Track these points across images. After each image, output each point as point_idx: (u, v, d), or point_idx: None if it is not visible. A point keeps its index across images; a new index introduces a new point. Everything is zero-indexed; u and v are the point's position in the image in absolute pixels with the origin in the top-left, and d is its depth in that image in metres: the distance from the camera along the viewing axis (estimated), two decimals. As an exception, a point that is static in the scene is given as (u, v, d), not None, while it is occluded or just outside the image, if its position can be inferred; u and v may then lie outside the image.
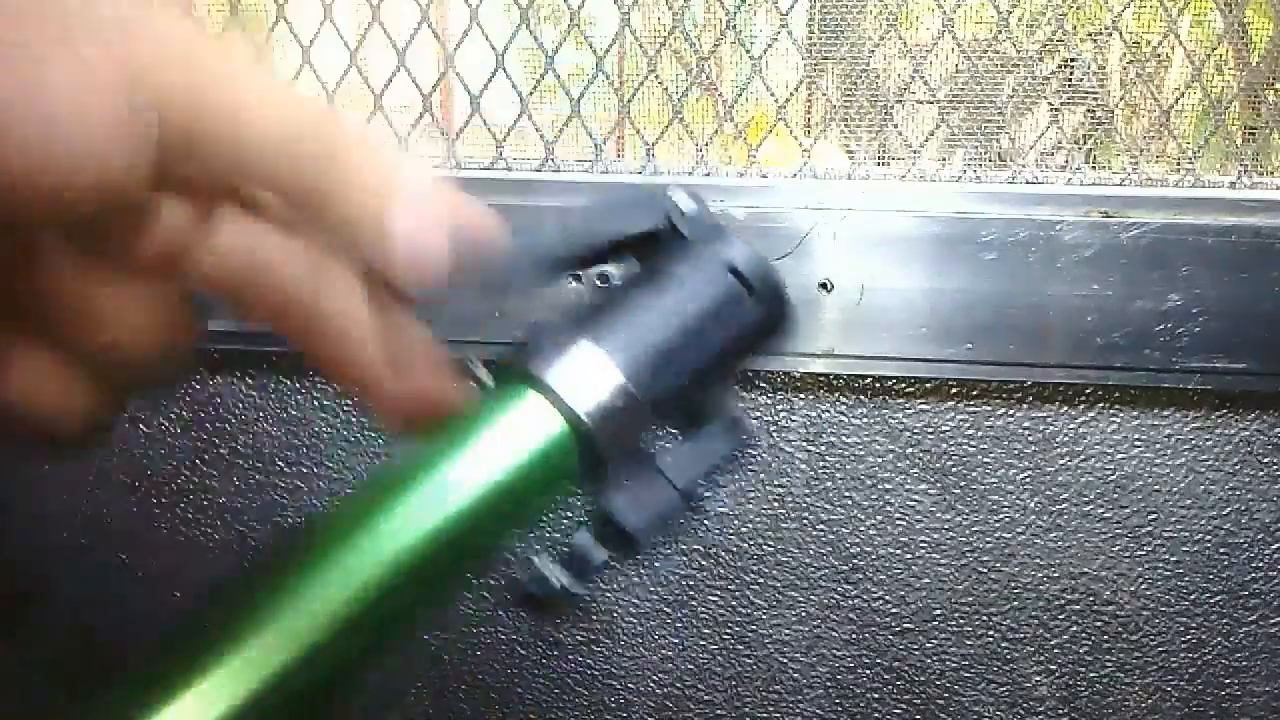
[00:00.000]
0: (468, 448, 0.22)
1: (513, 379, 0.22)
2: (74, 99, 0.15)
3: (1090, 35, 0.45)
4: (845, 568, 0.47)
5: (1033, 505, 0.45)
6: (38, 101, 0.15)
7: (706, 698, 0.49)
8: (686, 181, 0.42)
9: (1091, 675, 0.47)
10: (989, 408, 0.44)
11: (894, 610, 0.47)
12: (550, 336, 0.22)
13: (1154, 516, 0.44)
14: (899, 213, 0.40)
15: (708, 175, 0.43)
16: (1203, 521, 0.44)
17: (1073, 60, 0.43)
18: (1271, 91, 0.42)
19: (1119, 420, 0.43)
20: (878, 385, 0.44)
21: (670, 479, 0.24)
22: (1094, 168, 0.42)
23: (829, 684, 0.48)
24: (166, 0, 0.18)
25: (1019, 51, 0.42)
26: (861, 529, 0.46)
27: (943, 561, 0.46)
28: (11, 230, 0.17)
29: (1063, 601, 0.46)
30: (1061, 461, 0.44)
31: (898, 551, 0.46)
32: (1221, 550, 0.44)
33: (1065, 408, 0.44)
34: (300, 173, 0.18)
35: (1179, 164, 0.42)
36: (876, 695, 0.48)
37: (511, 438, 0.22)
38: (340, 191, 0.18)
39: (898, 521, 0.46)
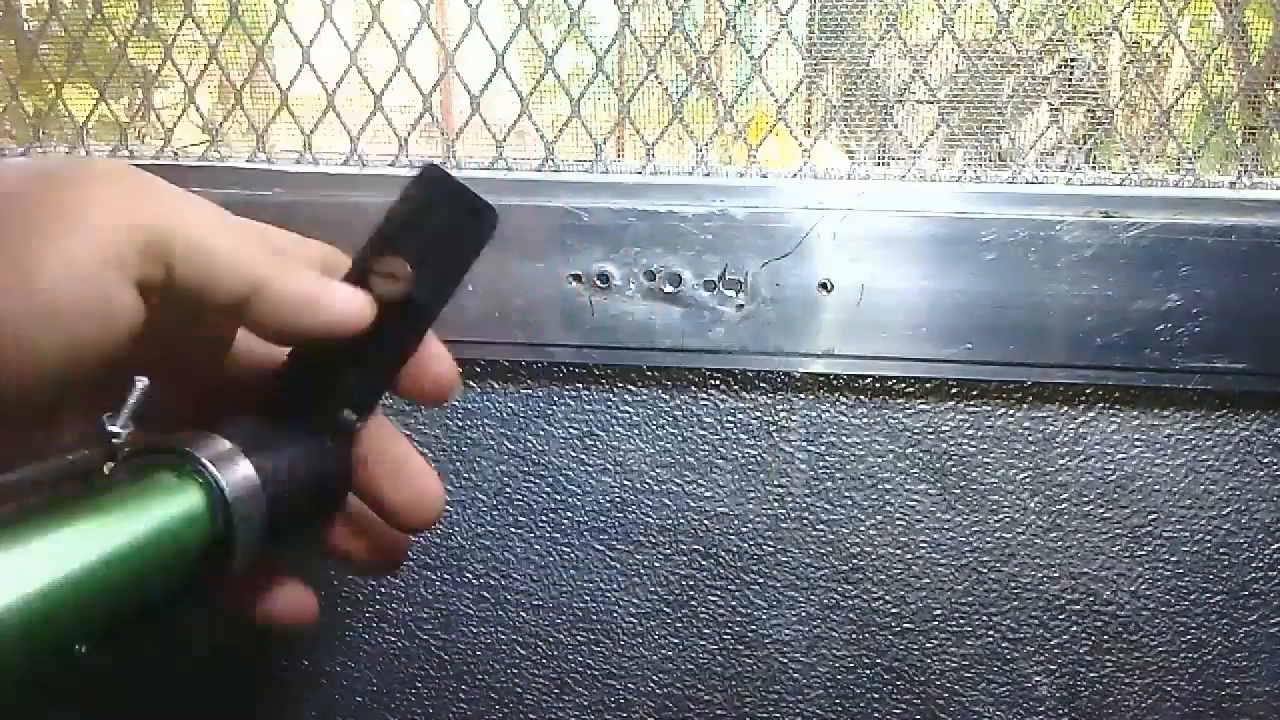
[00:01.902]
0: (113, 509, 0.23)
1: (158, 455, 0.25)
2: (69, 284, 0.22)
3: (1090, 35, 0.45)
4: (845, 568, 0.47)
5: (1033, 505, 0.45)
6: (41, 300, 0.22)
7: (706, 698, 0.49)
8: (686, 181, 0.42)
9: (1091, 675, 0.47)
10: (989, 408, 0.44)
11: (894, 610, 0.47)
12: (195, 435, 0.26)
13: (1154, 516, 0.44)
14: (899, 213, 0.40)
15: (708, 175, 0.43)
16: (1203, 521, 0.44)
17: (1073, 60, 0.43)
18: (1271, 91, 0.42)
19: (1119, 420, 0.43)
20: (878, 385, 0.44)
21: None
22: (1094, 168, 0.42)
23: (829, 684, 0.48)
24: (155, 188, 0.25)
25: (1019, 51, 0.42)
26: (861, 529, 0.46)
27: (943, 561, 0.46)
28: None
29: (1063, 601, 0.46)
30: (1061, 461, 0.44)
31: (898, 551, 0.46)
32: (1221, 550, 0.44)
33: (1065, 408, 0.44)
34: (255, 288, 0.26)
35: (1179, 164, 0.42)
36: (876, 695, 0.48)
37: (154, 502, 0.24)
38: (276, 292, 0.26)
39: (898, 521, 0.46)
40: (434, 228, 0.29)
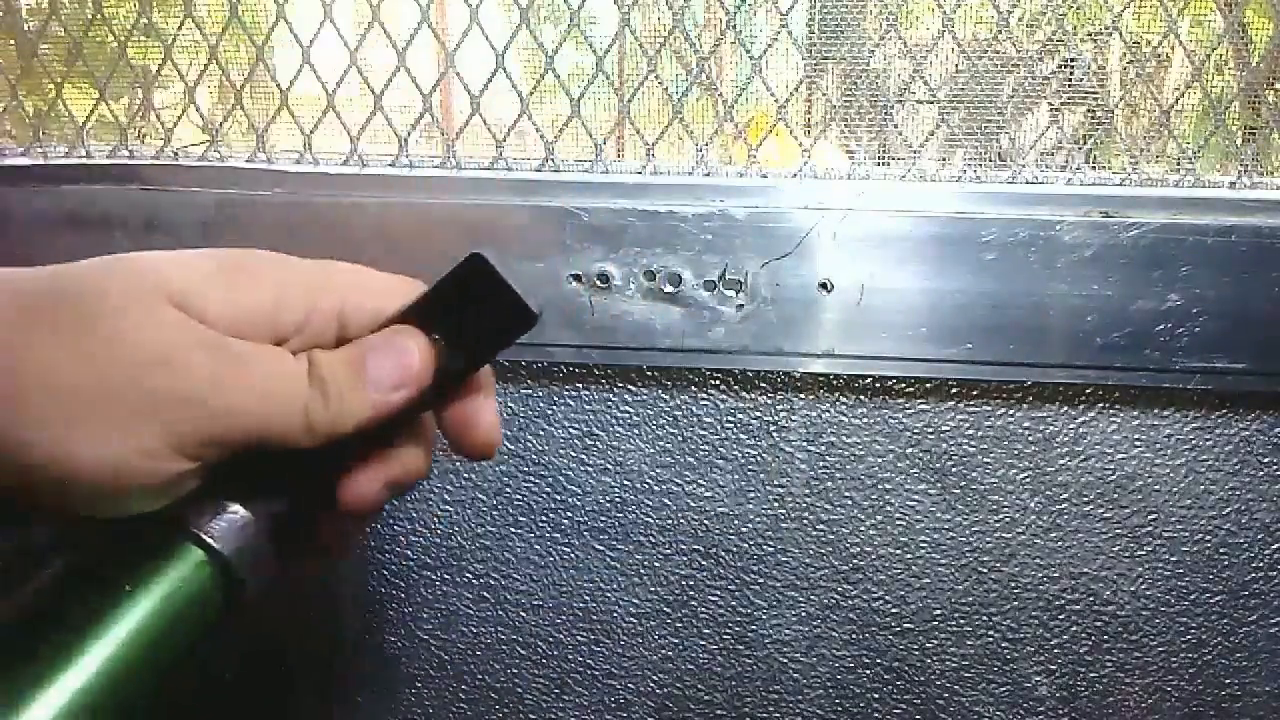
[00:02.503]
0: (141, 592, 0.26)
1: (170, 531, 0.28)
2: (115, 459, 0.25)
3: (1090, 35, 0.45)
4: (845, 568, 0.47)
5: (1033, 505, 0.45)
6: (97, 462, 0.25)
7: (706, 698, 0.49)
8: (686, 181, 0.42)
9: (1091, 675, 0.47)
10: (989, 408, 0.44)
11: (894, 610, 0.47)
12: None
13: (1154, 516, 0.44)
14: (899, 213, 0.40)
15: (708, 175, 0.43)
16: (1203, 521, 0.44)
17: (1073, 60, 0.43)
18: (1271, 91, 0.42)
19: (1119, 420, 0.43)
20: (878, 385, 0.44)
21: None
22: (1094, 168, 0.42)
23: (829, 684, 0.48)
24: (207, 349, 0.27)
25: (1019, 51, 0.42)
26: (861, 529, 0.46)
27: (943, 561, 0.46)
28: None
29: (1063, 601, 0.46)
30: (1061, 461, 0.44)
31: (898, 551, 0.46)
32: (1221, 550, 0.44)
33: (1065, 408, 0.44)
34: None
35: (1179, 164, 0.42)
36: (876, 695, 0.48)
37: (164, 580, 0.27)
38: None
39: (898, 521, 0.46)
40: (473, 315, 0.31)
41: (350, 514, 0.31)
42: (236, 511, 0.28)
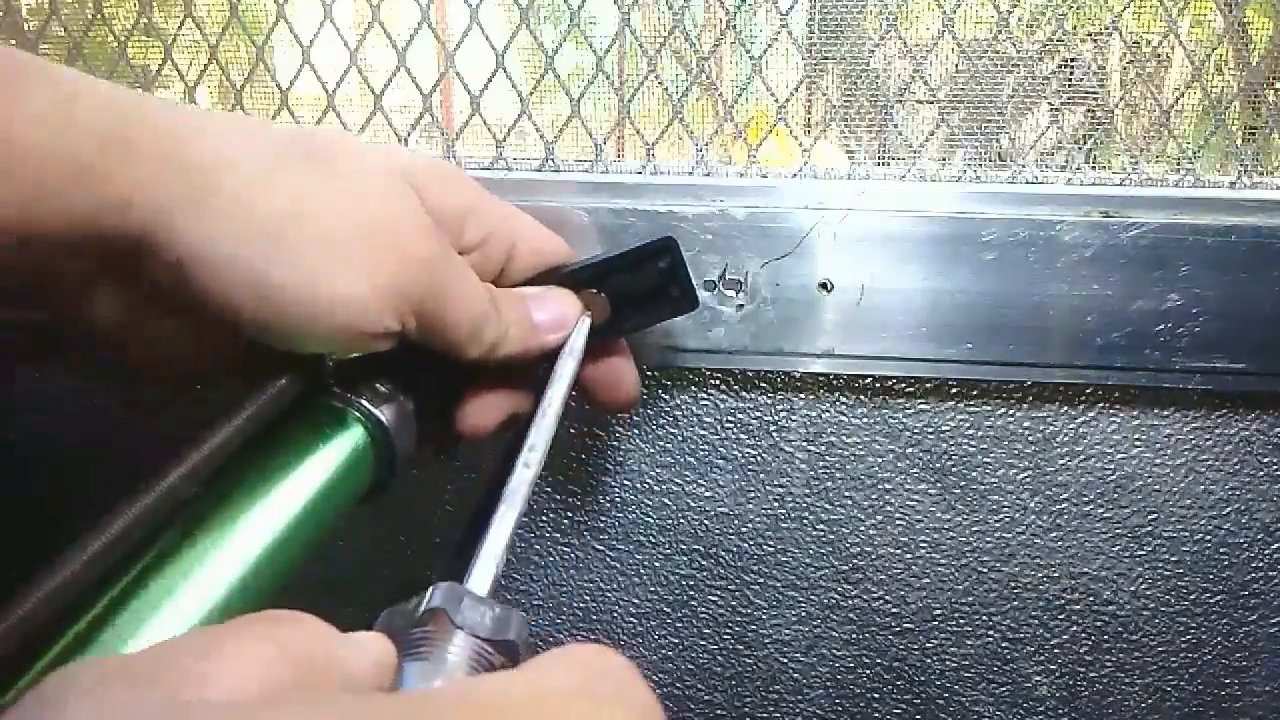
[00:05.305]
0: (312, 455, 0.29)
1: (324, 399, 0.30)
2: (349, 301, 0.27)
3: (1090, 35, 0.45)
4: (845, 568, 0.47)
5: (1033, 505, 0.45)
6: (332, 297, 0.27)
7: (706, 698, 0.49)
8: (686, 181, 0.42)
9: (1091, 675, 0.47)
10: (989, 408, 0.44)
11: (894, 610, 0.47)
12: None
13: (1154, 516, 0.44)
14: (899, 213, 0.40)
15: (708, 175, 0.43)
16: (1203, 521, 0.44)
17: (1073, 60, 0.43)
18: (1271, 91, 0.42)
19: (1119, 420, 0.43)
20: (878, 385, 0.44)
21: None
22: (1094, 168, 0.42)
23: (829, 684, 0.48)
24: (423, 230, 0.29)
25: (1019, 51, 0.42)
26: (861, 529, 0.46)
27: (943, 561, 0.46)
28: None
29: (1063, 601, 0.46)
30: (1061, 461, 0.44)
31: (898, 551, 0.46)
32: (1221, 550, 0.44)
33: (1065, 408, 0.44)
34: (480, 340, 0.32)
35: (1179, 164, 0.42)
36: (876, 695, 0.48)
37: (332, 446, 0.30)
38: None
39: (898, 521, 0.46)
40: (644, 286, 0.35)
41: (464, 434, 0.34)
42: (396, 394, 0.31)
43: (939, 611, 0.47)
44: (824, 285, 0.41)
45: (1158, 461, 0.44)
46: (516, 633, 0.21)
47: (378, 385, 0.31)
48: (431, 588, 0.22)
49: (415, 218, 0.29)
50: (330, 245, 0.27)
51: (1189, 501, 0.44)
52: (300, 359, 0.29)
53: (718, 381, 0.45)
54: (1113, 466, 0.44)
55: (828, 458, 0.45)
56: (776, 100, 0.43)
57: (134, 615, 0.22)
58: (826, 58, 0.44)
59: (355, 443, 0.29)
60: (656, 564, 0.48)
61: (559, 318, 0.34)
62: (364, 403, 0.30)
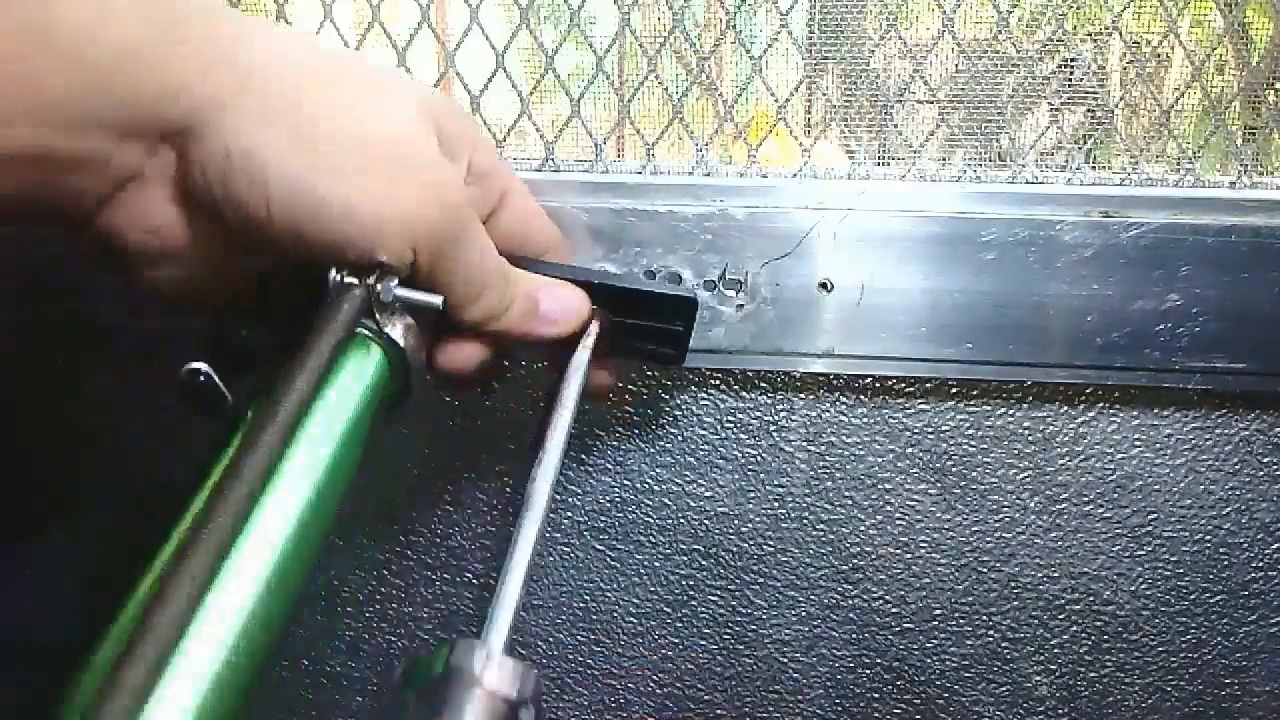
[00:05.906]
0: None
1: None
2: (377, 214, 0.28)
3: (1090, 35, 0.45)
4: (845, 568, 0.47)
5: (1033, 505, 0.45)
6: (355, 210, 0.28)
7: (706, 698, 0.49)
8: (686, 181, 0.42)
9: (1091, 675, 0.47)
10: (989, 408, 0.44)
11: (894, 610, 0.47)
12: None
13: (1154, 516, 0.44)
14: (899, 213, 0.40)
15: (708, 175, 0.43)
16: (1203, 521, 0.44)
17: (1073, 60, 0.43)
18: (1271, 91, 0.42)
19: (1119, 420, 0.43)
20: (878, 385, 0.44)
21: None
22: (1094, 168, 0.42)
23: (829, 684, 0.48)
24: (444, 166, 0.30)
25: (1019, 51, 0.42)
26: (861, 529, 0.46)
27: (943, 561, 0.46)
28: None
29: (1063, 601, 0.46)
30: (1061, 461, 0.44)
31: (898, 551, 0.46)
32: (1221, 550, 0.44)
33: (1065, 408, 0.44)
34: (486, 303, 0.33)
35: (1179, 164, 0.42)
36: (876, 695, 0.48)
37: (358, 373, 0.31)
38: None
39: (898, 521, 0.46)
40: (648, 328, 0.37)
41: (438, 370, 0.35)
42: (408, 319, 0.31)
43: (939, 611, 0.47)
44: (824, 285, 0.41)
45: (1158, 461, 0.44)
46: (532, 690, 0.23)
47: (397, 310, 0.32)
48: (450, 643, 0.24)
49: (448, 168, 0.30)
50: (376, 168, 0.28)
51: (1189, 501, 0.44)
52: (309, 289, 0.29)
53: (718, 381, 0.45)
54: (1113, 466, 0.44)
55: (828, 458, 0.45)
56: (776, 100, 0.43)
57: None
58: (826, 58, 0.44)
59: (375, 362, 0.31)
60: (656, 564, 0.48)
61: (564, 313, 0.35)
62: (384, 328, 0.31)
